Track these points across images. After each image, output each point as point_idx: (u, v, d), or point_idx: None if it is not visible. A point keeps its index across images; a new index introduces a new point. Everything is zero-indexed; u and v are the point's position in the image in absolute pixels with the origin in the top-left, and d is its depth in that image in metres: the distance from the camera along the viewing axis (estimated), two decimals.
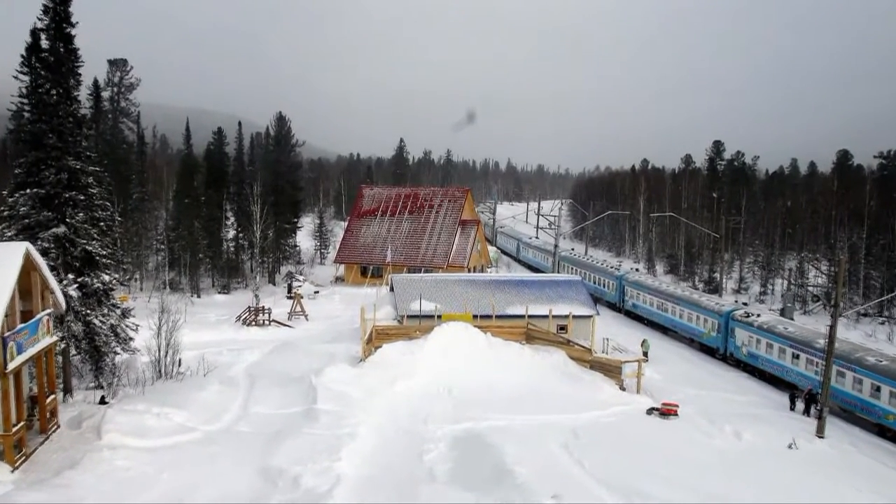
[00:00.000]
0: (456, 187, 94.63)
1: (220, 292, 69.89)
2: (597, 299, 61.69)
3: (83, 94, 36.20)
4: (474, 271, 74.14)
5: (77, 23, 33.22)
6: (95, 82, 71.88)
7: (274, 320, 53.60)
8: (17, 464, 24.82)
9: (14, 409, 25.16)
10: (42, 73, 32.50)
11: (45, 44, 32.64)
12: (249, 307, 55.02)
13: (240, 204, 77.90)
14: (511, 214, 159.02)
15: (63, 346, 32.16)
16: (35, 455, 26.00)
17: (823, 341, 38.03)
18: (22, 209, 32.62)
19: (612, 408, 34.34)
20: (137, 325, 36.18)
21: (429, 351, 38.63)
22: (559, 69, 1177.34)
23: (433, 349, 38.82)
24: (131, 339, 35.72)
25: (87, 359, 34.92)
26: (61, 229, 32.81)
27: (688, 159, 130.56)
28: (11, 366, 24.68)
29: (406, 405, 32.88)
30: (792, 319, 53.75)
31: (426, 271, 67.30)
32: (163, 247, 70.72)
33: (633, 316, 63.37)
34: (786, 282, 78.96)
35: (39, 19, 32.61)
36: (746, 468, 27.89)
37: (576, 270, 74.92)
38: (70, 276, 32.81)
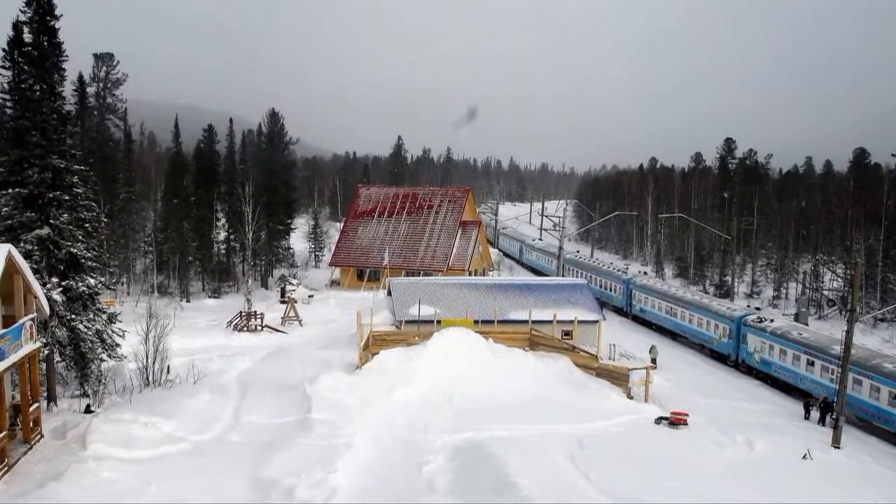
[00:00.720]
0: (456, 187, 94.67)
1: (210, 296, 69.87)
2: (603, 304, 61.64)
3: (68, 89, 36.41)
4: (475, 274, 74.14)
5: (61, 15, 33.30)
6: (80, 77, 72.04)
7: (266, 326, 53.59)
8: (0, 475, 24.82)
9: None
10: (25, 67, 32.55)
11: (28, 37, 32.69)
12: (241, 312, 55.02)
13: (231, 204, 77.92)
14: (514, 215, 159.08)
15: (47, 352, 32.16)
16: (18, 466, 25.99)
17: (839, 347, 38.03)
18: (4, 210, 32.66)
19: (619, 417, 34.33)
20: (124, 331, 36.19)
21: (428, 358, 38.63)
22: (564, 64, 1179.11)
23: (433, 356, 38.81)
24: (118, 345, 35.74)
25: (71, 366, 34.93)
26: (45, 231, 32.83)
27: (698, 158, 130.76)
28: None
29: (404, 414, 32.87)
30: (806, 325, 53.77)
31: (425, 274, 67.30)
32: (151, 249, 70.74)
33: (641, 321, 63.36)
34: (800, 285, 78.96)
35: (22, 11, 32.66)
36: (759, 479, 27.88)
37: (581, 274, 74.89)
38: (54, 279, 32.83)
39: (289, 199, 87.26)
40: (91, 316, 34.39)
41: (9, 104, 33.61)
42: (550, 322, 44.68)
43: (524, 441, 29.84)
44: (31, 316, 28.10)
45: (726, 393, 42.72)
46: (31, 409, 28.45)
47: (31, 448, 27.57)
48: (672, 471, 27.80)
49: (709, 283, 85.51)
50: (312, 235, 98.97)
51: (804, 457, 30.99)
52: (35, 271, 30.26)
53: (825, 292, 75.29)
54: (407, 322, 44.69)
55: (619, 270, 71.64)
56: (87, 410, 31.99)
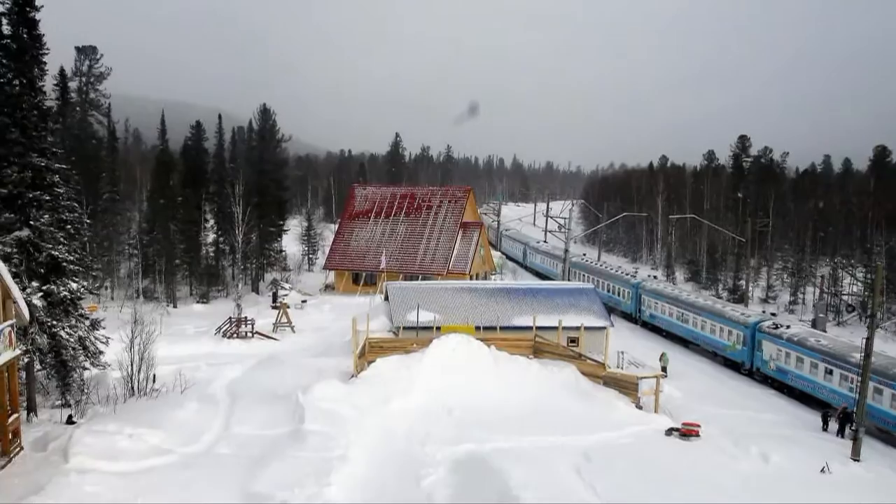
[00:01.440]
0: (457, 186, 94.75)
1: (198, 302, 69.92)
2: (611, 309, 61.68)
3: (48, 84, 36.28)
4: (477, 278, 74.16)
5: (42, 6, 33.31)
6: (62, 71, 72.14)
7: (257, 332, 53.62)
8: None
9: None
10: (3, 61, 32.58)
11: (6, 29, 32.69)
12: (231, 318, 55.06)
13: (220, 205, 77.97)
14: (517, 216, 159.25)
15: (27, 360, 32.15)
16: None
17: (859, 355, 38.00)
18: None
19: (628, 428, 34.33)
20: (108, 338, 36.19)
21: (427, 366, 38.64)
22: (570, 58, 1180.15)
23: (432, 364, 38.82)
24: (101, 352, 35.73)
25: (53, 374, 34.92)
26: (25, 232, 32.85)
27: (710, 156, 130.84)
28: None
29: (402, 425, 32.86)
30: (824, 331, 53.79)
31: (424, 278, 67.36)
32: (136, 252, 70.79)
33: (651, 327, 63.40)
34: (818, 290, 78.98)
35: (0, 2, 32.69)
36: (774, 494, 27.86)
37: (588, 278, 74.95)
38: (34, 283, 32.83)
39: (281, 199, 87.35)
40: (73, 322, 34.38)
41: None
42: (555, 328, 44.70)
43: (528, 453, 29.83)
44: (9, 322, 28.09)
45: (740, 403, 42.73)
46: (10, 419, 28.44)
47: (9, 461, 27.56)
48: (683, 484, 27.77)
49: (722, 287, 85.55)
50: (306, 237, 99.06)
51: (822, 470, 30.98)
52: (14, 275, 30.27)
53: (844, 297, 75.32)
54: (405, 328, 44.71)
55: (627, 274, 71.70)
56: (70, 421, 31.98)
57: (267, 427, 32.25)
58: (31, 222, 33.10)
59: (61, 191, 34.50)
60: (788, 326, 48.10)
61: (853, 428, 35.00)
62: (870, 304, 71.67)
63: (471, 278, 71.37)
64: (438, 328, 43.79)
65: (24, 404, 32.28)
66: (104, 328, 36.67)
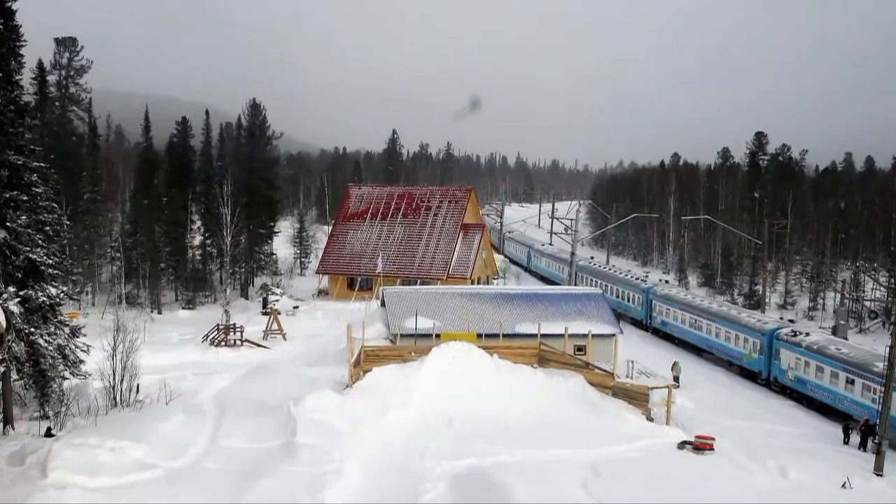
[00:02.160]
0: (457, 186, 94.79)
1: (184, 307, 69.93)
2: (620, 316, 61.72)
3: (26, 77, 36.28)
4: (478, 283, 74.18)
5: None
6: (40, 64, 72.15)
7: (247, 340, 53.63)
8: None
9: None
10: None
11: None
12: (218, 325, 55.07)
13: (207, 205, 78.03)
14: (521, 217, 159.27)
15: (3, 369, 32.16)
16: None
17: (882, 364, 38.04)
18: None
19: (638, 441, 34.34)
20: (89, 346, 36.16)
21: (426, 375, 38.65)
22: (577, 52, 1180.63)
23: (431, 373, 38.83)
24: (82, 361, 35.70)
25: (30, 384, 34.92)
26: (1, 234, 32.86)
27: (725, 154, 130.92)
28: None
29: (400, 438, 32.88)
30: (846, 339, 53.81)
31: (423, 283, 67.37)
32: (118, 255, 70.83)
33: (662, 335, 63.44)
34: (839, 295, 79.01)
35: None
36: None
37: (596, 282, 74.99)
38: (11, 288, 32.82)
39: (271, 199, 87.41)
40: (52, 329, 34.36)
41: None
42: (561, 336, 44.70)
43: (532, 468, 29.86)
44: None
45: (757, 414, 42.75)
46: None
47: None
48: (696, 500, 27.80)
49: (737, 292, 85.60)
50: (298, 240, 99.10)
51: (843, 485, 30.99)
52: None
53: (866, 303, 75.35)
54: (403, 336, 44.71)
55: (637, 279, 71.77)
56: (48, 434, 31.99)
57: (257, 440, 32.25)
58: (8, 224, 33.10)
59: (39, 190, 34.50)
60: (808, 334, 48.14)
61: (876, 441, 35.01)
62: (894, 309, 71.76)
63: (472, 283, 71.38)
64: (438, 336, 43.78)
65: (0, 416, 32.28)
66: (85, 336, 36.63)
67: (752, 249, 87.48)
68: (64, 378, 35.31)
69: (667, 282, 76.66)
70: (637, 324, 67.31)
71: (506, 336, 44.96)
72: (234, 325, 54.96)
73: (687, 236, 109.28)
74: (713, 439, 34.40)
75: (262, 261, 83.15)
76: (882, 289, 77.27)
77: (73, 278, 61.49)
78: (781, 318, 58.77)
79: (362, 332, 43.01)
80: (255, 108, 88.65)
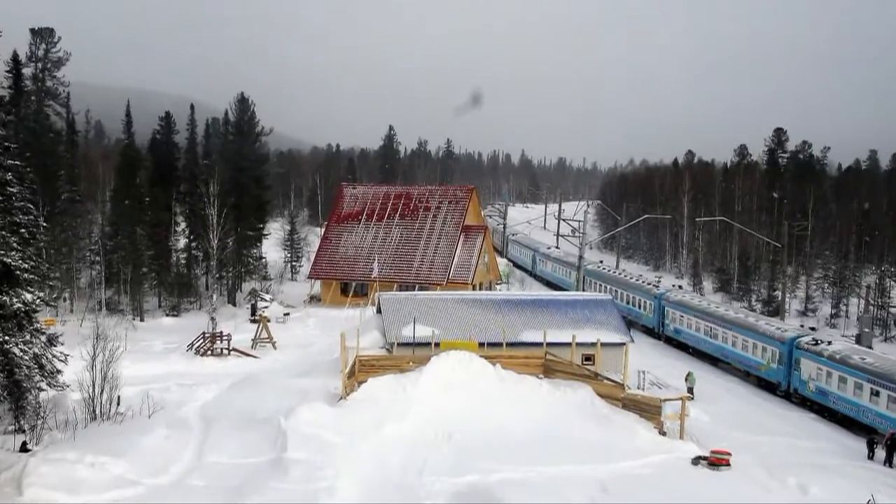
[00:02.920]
0: (458, 186, 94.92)
1: (168, 314, 69.96)
2: (631, 323, 61.76)
3: (0, 70, 36.36)
4: (480, 289, 74.22)
5: None
6: (15, 57, 72.14)
7: (234, 349, 53.67)
8: None
9: None
10: None
11: None
12: (204, 333, 55.09)
13: (192, 206, 78.04)
14: (525, 219, 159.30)
15: None
16: None
17: None
18: None
19: (650, 456, 34.36)
20: (67, 355, 36.19)
21: (424, 387, 38.69)
22: (585, 44, 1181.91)
23: (430, 384, 38.88)
24: (59, 371, 35.72)
25: (4, 396, 34.89)
26: None
27: (742, 151, 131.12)
28: None
29: (397, 453, 32.91)
30: (870, 348, 53.82)
31: (421, 289, 67.42)
32: (98, 259, 70.84)
33: (676, 343, 63.46)
34: (863, 302, 79.03)
35: None
36: None
37: (605, 288, 75.02)
38: None
39: (261, 199, 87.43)
40: (27, 337, 34.37)
41: None
42: (569, 345, 44.74)
43: (537, 485, 29.89)
44: None
45: (776, 428, 42.75)
46: None
47: None
48: None
49: (755, 298, 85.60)
50: (288, 243, 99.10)
51: (868, 503, 31.01)
52: None
53: (892, 310, 75.34)
54: (400, 345, 44.75)
55: (649, 284, 71.80)
56: (24, 449, 32.01)
57: (245, 455, 32.28)
58: None
59: (14, 190, 34.54)
60: (830, 342, 48.14)
61: None
62: None
63: (474, 288, 71.41)
64: (437, 344, 43.81)
65: None
66: (62, 344, 36.67)
67: (771, 253, 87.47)
68: (40, 389, 35.31)
69: (680, 287, 76.70)
70: (649, 332, 67.33)
71: (509, 345, 44.99)
72: (221, 333, 54.98)
73: (702, 239, 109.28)
74: (729, 454, 34.42)
75: (250, 265, 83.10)
76: None
77: (50, 283, 61.37)
78: (802, 326, 58.81)
79: (357, 341, 43.04)
80: (242, 103, 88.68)
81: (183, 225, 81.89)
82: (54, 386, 35.69)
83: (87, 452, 30.84)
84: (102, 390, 36.58)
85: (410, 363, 41.39)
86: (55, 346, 35.95)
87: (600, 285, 76.92)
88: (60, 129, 78.97)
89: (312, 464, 30.64)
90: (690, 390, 46.48)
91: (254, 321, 61.86)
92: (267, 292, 76.35)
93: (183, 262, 79.57)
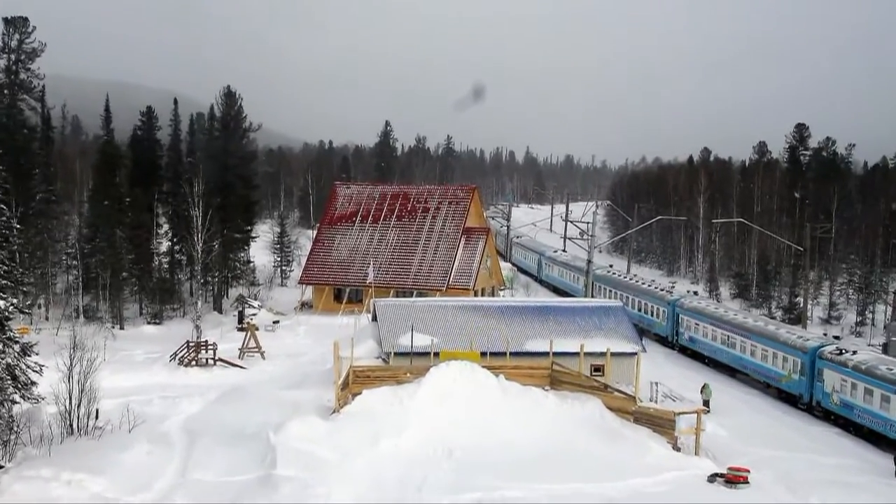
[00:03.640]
0: (459, 185, 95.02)
1: (149, 322, 69.94)
2: (643, 331, 61.75)
3: None
4: (483, 295, 74.22)
5: None
6: None
7: (220, 359, 53.68)
8: None
9: None
10: None
11: None
12: (188, 342, 55.11)
13: (176, 207, 78.11)
14: (530, 220, 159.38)
15: None
16: None
17: None
18: None
19: (663, 473, 34.37)
20: (42, 366, 36.21)
21: (423, 399, 38.71)
22: (593, 33, 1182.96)
23: (429, 397, 38.89)
24: (34, 383, 35.74)
25: None
26: None
27: (762, 148, 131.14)
28: None
29: (393, 470, 32.92)
30: None
31: (420, 295, 67.42)
32: (75, 263, 70.86)
33: (691, 353, 63.45)
34: (890, 308, 79.03)
35: None
36: None
37: (615, 294, 75.02)
38: None
39: (248, 199, 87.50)
40: (0, 346, 34.45)
41: None
42: (576, 355, 44.73)
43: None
44: None
45: (797, 443, 42.74)
46: None
47: None
48: None
49: (775, 305, 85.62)
50: (278, 246, 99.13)
51: None
52: None
53: None
54: (397, 355, 44.75)
55: (662, 290, 71.81)
56: None
57: (232, 473, 32.30)
58: None
59: None
60: (855, 352, 48.10)
61: None
62: None
63: (475, 295, 71.41)
64: (437, 354, 43.81)
65: None
66: (37, 354, 36.70)
67: (792, 257, 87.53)
68: (13, 402, 35.32)
69: (695, 293, 76.66)
70: (662, 341, 67.31)
71: (513, 355, 44.99)
72: (206, 342, 54.98)
73: (718, 242, 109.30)
74: (748, 471, 34.42)
75: (237, 269, 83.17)
76: None
77: (24, 289, 61.47)
78: (825, 335, 58.79)
79: (351, 351, 43.07)
80: (229, 97, 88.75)
81: (166, 227, 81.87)
82: (28, 398, 35.70)
83: (64, 469, 30.84)
84: (80, 403, 36.61)
85: (408, 374, 41.39)
86: (29, 355, 35.97)
87: (610, 291, 76.91)
88: (35, 124, 78.98)
89: (304, 481, 30.66)
90: (706, 403, 46.45)
91: (241, 329, 61.87)
92: (255, 299, 76.38)
93: (165, 266, 79.58)
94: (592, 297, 71.51)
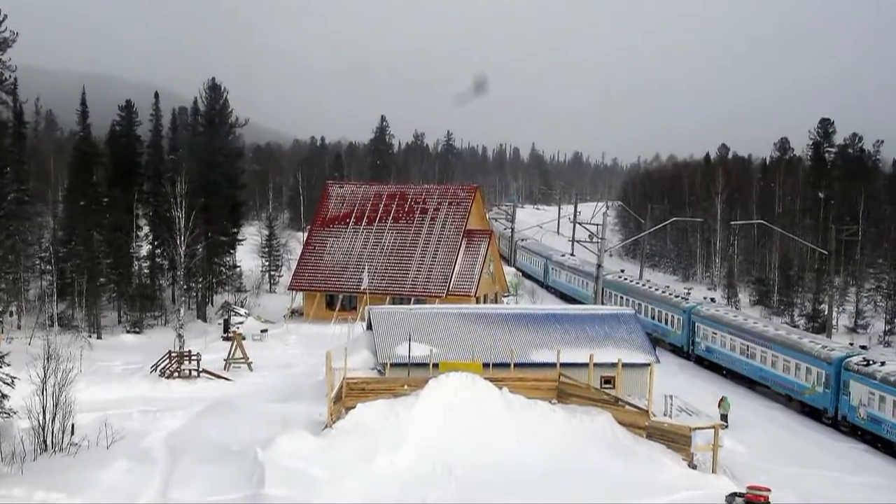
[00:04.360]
0: (459, 184, 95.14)
1: (128, 331, 69.92)
2: (657, 341, 61.75)
3: None
4: (485, 302, 74.24)
5: None
6: None
7: (205, 370, 53.70)
8: None
9: None
10: None
11: None
12: (170, 352, 55.13)
13: (157, 208, 78.17)
14: (536, 222, 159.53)
15: None
16: None
17: None
18: None
19: (678, 493, 34.38)
20: (14, 378, 36.28)
21: (422, 413, 38.69)
22: (604, 23, 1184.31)
23: (428, 411, 38.87)
24: (5, 396, 35.82)
25: None
26: None
27: (783, 145, 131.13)
28: None
29: (390, 490, 32.92)
30: None
31: (418, 302, 67.46)
32: (49, 268, 70.88)
33: (707, 364, 63.47)
34: None
35: None
36: None
37: (627, 301, 75.07)
38: None
39: (235, 200, 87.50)
40: None
41: None
42: (585, 366, 44.76)
43: None
44: None
45: (821, 461, 42.75)
46: None
47: None
48: None
49: (798, 313, 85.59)
50: (266, 249, 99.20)
51: None
52: None
53: None
54: (393, 366, 44.78)
55: (677, 296, 71.84)
56: None
57: (216, 492, 32.30)
58: None
59: None
60: (883, 363, 48.09)
61: None
62: None
63: (477, 302, 71.45)
64: (436, 365, 43.85)
65: None
66: (9, 365, 36.78)
67: (817, 261, 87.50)
68: None
69: (713, 300, 76.73)
70: (677, 351, 67.36)
71: (518, 366, 45.02)
72: (190, 352, 55.00)
73: (737, 245, 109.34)
74: (769, 491, 34.42)
75: (223, 275, 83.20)
76: None
77: None
78: (851, 345, 58.79)
79: (344, 362, 43.04)
80: (214, 90, 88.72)
81: (146, 229, 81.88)
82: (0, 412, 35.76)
83: (37, 488, 30.86)
84: (54, 417, 36.58)
85: (405, 387, 41.37)
86: (0, 367, 36.01)
87: (621, 298, 76.95)
88: (6, 119, 78.96)
89: (294, 502, 30.65)
90: (724, 417, 46.49)
91: (227, 339, 61.92)
92: (242, 306, 76.44)
93: (146, 271, 79.56)
94: (602, 304, 71.48)
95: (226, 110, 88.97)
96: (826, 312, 78.26)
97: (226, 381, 52.89)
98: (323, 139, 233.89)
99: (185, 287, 74.74)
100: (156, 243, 79.86)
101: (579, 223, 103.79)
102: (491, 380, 41.77)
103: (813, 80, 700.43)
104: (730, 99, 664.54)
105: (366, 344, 49.30)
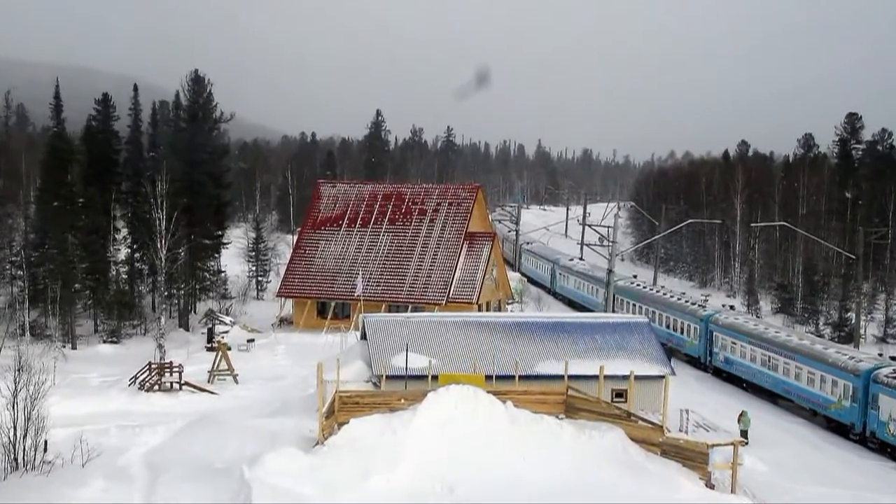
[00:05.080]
0: (460, 184, 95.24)
1: (105, 341, 69.94)
2: (672, 351, 61.79)
3: None
4: (488, 309, 74.28)
5: None
6: None
7: (187, 383, 53.71)
8: None
9: None
10: None
11: None
12: (150, 363, 55.16)
13: (136, 209, 78.22)
14: (542, 224, 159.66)
15: None
16: None
17: None
18: None
19: None
20: None
21: (420, 429, 38.73)
22: (616, 14, 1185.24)
23: (426, 426, 38.92)
24: None
25: None
26: None
27: (808, 141, 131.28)
28: None
29: None
30: None
31: (415, 310, 67.49)
32: (21, 273, 70.91)
33: (726, 376, 63.48)
34: None
35: None
36: None
37: (640, 308, 75.10)
38: None
39: (219, 200, 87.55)
40: None
41: None
42: (596, 378, 44.76)
43: None
44: None
45: (848, 479, 42.77)
46: None
47: None
48: None
49: (823, 321, 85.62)
50: (253, 253, 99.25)
51: None
52: None
53: None
54: (389, 378, 44.79)
55: (694, 304, 71.87)
56: None
57: None
58: None
59: None
60: None
61: None
62: None
63: (479, 309, 71.47)
64: (435, 378, 43.86)
65: None
66: None
67: (843, 266, 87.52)
68: None
69: (732, 308, 76.73)
70: (693, 362, 67.37)
71: (523, 378, 45.00)
72: (171, 363, 55.03)
73: (758, 249, 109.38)
74: None
75: (206, 281, 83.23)
76: None
77: None
78: (881, 355, 58.76)
79: (337, 373, 43.10)
80: (197, 83, 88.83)
81: (124, 232, 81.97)
82: None
83: None
84: (26, 434, 36.58)
85: (402, 400, 41.40)
86: None
87: (634, 305, 76.98)
88: None
89: None
90: (744, 433, 46.49)
91: (211, 349, 61.97)
92: (227, 314, 76.46)
93: (124, 277, 79.64)
94: (614, 311, 71.51)
95: (210, 104, 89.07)
96: (853, 321, 78.27)
97: (210, 395, 52.91)
98: (314, 135, 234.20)
99: (166, 294, 74.69)
100: (135, 247, 79.95)
101: (589, 225, 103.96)
102: (494, 393, 41.82)
103: (839, 73, 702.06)
104: (750, 92, 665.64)
105: (360, 355, 49.30)
